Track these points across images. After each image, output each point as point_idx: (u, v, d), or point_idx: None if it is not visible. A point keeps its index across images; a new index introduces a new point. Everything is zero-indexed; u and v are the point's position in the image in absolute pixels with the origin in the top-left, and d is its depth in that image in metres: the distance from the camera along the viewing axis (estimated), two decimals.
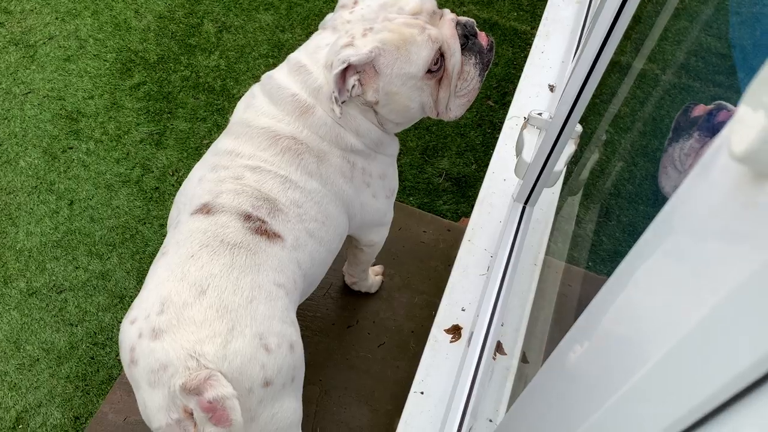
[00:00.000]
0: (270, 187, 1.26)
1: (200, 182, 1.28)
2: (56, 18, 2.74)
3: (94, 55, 2.63)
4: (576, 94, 1.35)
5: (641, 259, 0.53)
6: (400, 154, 2.02)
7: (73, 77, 2.54)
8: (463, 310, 1.66)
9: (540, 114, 1.64)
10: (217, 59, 2.68)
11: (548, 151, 1.48)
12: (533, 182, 1.57)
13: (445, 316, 1.66)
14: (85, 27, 2.72)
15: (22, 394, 1.84)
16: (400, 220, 2.06)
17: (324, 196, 1.33)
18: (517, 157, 1.66)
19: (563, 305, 1.73)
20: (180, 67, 2.63)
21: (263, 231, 1.20)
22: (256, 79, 2.67)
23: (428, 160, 2.45)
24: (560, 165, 1.54)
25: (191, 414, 1.01)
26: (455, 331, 1.63)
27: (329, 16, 1.39)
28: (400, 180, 1.99)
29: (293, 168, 1.29)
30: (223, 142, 1.34)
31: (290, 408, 1.17)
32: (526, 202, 1.64)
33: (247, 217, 1.20)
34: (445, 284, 1.76)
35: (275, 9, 2.90)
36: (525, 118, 2.09)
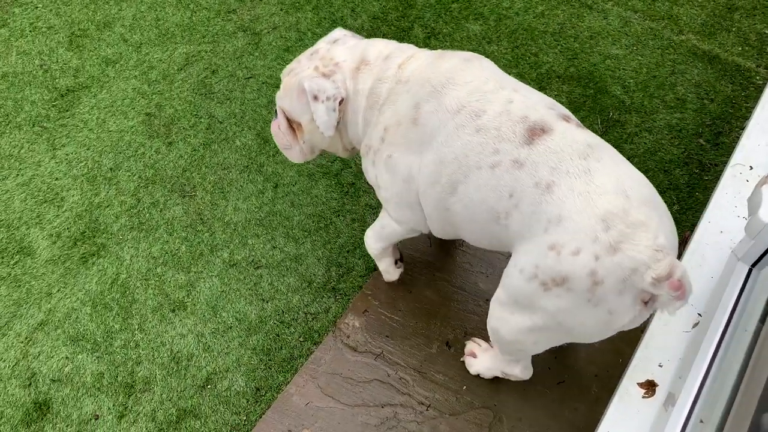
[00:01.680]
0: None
1: (503, 114, 1.38)
2: (281, 9, 2.93)
3: None
4: None
5: None
6: None
7: None
8: (661, 366, 1.57)
9: None
10: None
11: None
12: None
13: (638, 368, 1.58)
14: (306, 20, 2.88)
15: (213, 357, 2.00)
16: None
17: None
18: (750, 214, 1.53)
19: None
20: None
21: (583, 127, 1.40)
22: None
23: None
24: None
25: (646, 303, 1.23)
26: (649, 386, 1.54)
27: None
28: None
29: None
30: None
31: None
32: (753, 265, 1.51)
33: (567, 118, 1.39)
34: (638, 333, 1.67)
35: (484, 20, 2.90)
36: (751, 167, 1.93)
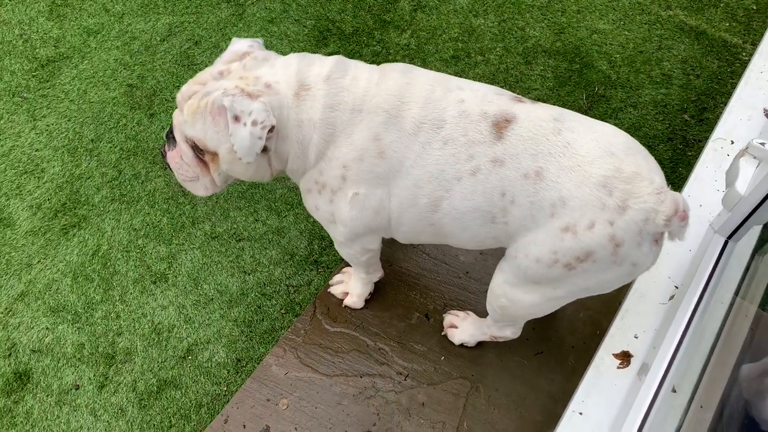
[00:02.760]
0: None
1: (462, 114, 1.36)
2: None
3: (295, 20, 2.75)
4: None
5: None
6: None
7: (274, 39, 2.68)
8: (636, 337, 1.58)
9: (763, 144, 1.49)
10: (408, 38, 2.71)
11: None
12: (744, 217, 1.45)
13: (615, 339, 1.59)
14: None
15: (194, 329, 2.00)
16: None
17: None
18: (727, 186, 1.53)
19: (749, 352, 1.59)
20: (372, 42, 2.68)
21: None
22: (444, 61, 2.68)
23: None
24: None
25: (657, 240, 1.30)
26: (624, 357, 1.55)
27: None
28: None
29: None
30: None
31: None
32: (729, 237, 1.52)
33: (519, 99, 1.38)
34: (616, 305, 1.68)
35: None
36: (732, 141, 1.93)
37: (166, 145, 1.52)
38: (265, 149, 1.37)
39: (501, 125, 1.30)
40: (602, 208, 1.23)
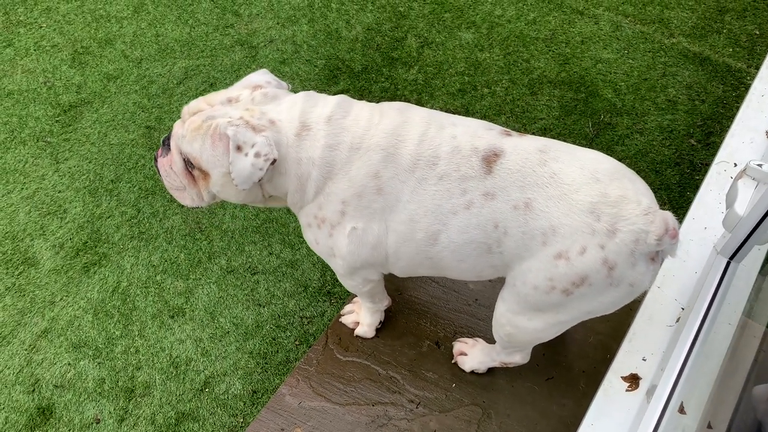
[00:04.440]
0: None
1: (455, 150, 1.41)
2: (277, 23, 3.00)
3: (306, 60, 2.84)
4: None
5: None
6: None
7: (285, 79, 2.77)
8: (644, 359, 1.59)
9: (760, 165, 1.52)
10: (416, 73, 2.79)
11: (767, 208, 1.38)
12: (744, 238, 1.47)
13: (623, 362, 1.60)
14: (302, 33, 2.95)
15: (211, 361, 2.04)
16: None
17: None
18: (727, 208, 1.56)
19: (758, 372, 1.59)
20: (381, 78, 2.76)
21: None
22: (451, 95, 2.75)
23: None
24: None
25: (653, 259, 1.31)
26: (633, 380, 1.56)
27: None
28: None
29: None
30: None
31: None
32: (731, 258, 1.54)
33: (507, 133, 1.44)
34: (625, 328, 1.69)
35: (477, 28, 2.95)
36: (735, 164, 1.95)
37: (160, 150, 1.57)
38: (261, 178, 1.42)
39: (490, 159, 1.34)
40: (592, 234, 1.26)
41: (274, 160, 1.39)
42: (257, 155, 1.36)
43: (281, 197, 1.55)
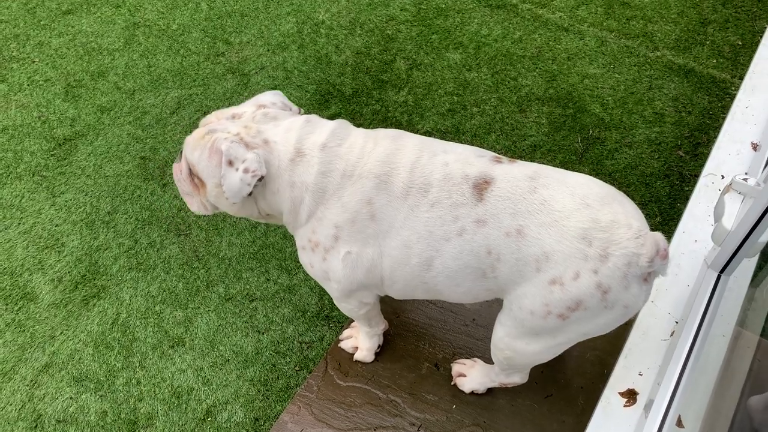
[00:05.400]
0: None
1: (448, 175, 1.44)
2: (268, 50, 3.04)
3: (298, 86, 2.88)
4: None
5: None
6: None
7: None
8: (641, 374, 1.61)
9: (745, 179, 1.55)
10: (406, 95, 2.82)
11: (754, 222, 1.41)
12: (733, 251, 1.49)
13: (620, 378, 1.62)
14: (292, 59, 2.99)
15: (212, 390, 2.05)
16: None
17: None
18: (715, 222, 1.59)
19: (754, 382, 1.61)
20: (372, 101, 2.80)
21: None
22: (441, 115, 2.78)
23: None
24: (767, 236, 1.45)
25: (646, 279, 1.32)
26: (630, 395, 1.58)
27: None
28: None
29: None
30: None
31: None
32: (722, 271, 1.56)
33: (498, 160, 1.46)
34: (622, 343, 1.71)
35: (464, 48, 3.00)
36: (723, 176, 1.99)
37: (178, 156, 1.64)
38: (251, 194, 1.48)
39: (481, 187, 1.37)
40: (585, 259, 1.28)
41: (262, 177, 1.44)
42: (246, 171, 1.42)
43: (278, 216, 1.59)
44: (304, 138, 1.48)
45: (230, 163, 1.43)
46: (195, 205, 1.65)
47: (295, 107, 1.63)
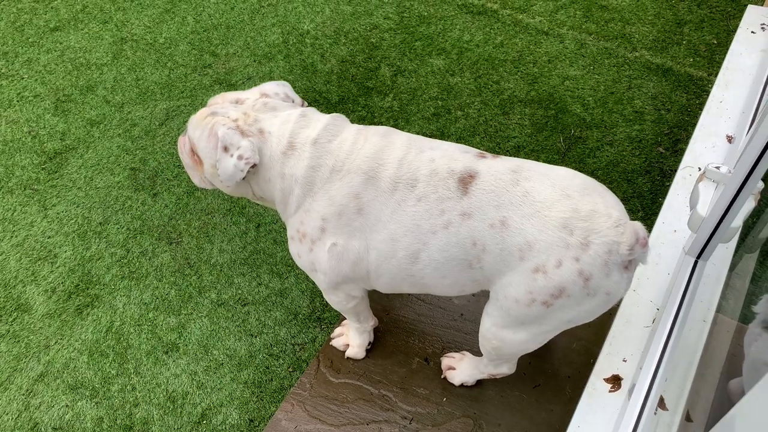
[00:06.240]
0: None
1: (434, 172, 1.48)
2: (254, 61, 3.09)
3: None
4: (760, 150, 1.33)
5: None
6: None
7: None
8: (625, 360, 1.65)
9: (718, 167, 1.61)
10: (391, 101, 2.88)
11: (726, 207, 1.46)
12: (708, 237, 1.54)
13: (605, 365, 1.66)
14: (278, 69, 3.04)
15: (207, 393, 2.08)
16: None
17: None
18: (690, 210, 1.64)
19: (733, 365, 1.66)
20: (358, 108, 2.85)
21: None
22: (426, 119, 2.84)
23: None
24: (738, 221, 1.50)
25: (627, 267, 1.36)
26: (615, 381, 1.62)
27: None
28: None
29: None
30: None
31: None
32: (698, 257, 1.61)
33: (482, 155, 1.50)
34: (606, 333, 1.76)
35: (447, 54, 3.06)
36: (699, 168, 2.04)
37: (185, 129, 1.69)
38: (244, 178, 1.54)
39: (466, 181, 1.41)
40: (566, 247, 1.33)
41: (254, 165, 1.51)
42: (240, 157, 1.49)
43: (271, 201, 1.66)
44: (297, 132, 1.53)
45: (225, 149, 1.50)
46: (196, 178, 1.71)
47: (298, 99, 1.68)
